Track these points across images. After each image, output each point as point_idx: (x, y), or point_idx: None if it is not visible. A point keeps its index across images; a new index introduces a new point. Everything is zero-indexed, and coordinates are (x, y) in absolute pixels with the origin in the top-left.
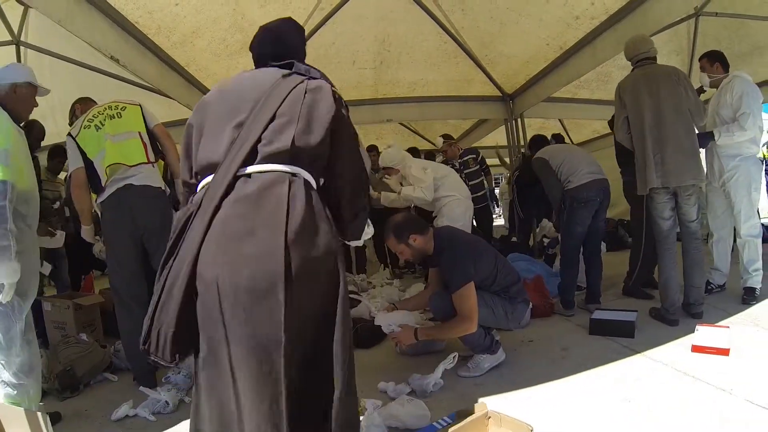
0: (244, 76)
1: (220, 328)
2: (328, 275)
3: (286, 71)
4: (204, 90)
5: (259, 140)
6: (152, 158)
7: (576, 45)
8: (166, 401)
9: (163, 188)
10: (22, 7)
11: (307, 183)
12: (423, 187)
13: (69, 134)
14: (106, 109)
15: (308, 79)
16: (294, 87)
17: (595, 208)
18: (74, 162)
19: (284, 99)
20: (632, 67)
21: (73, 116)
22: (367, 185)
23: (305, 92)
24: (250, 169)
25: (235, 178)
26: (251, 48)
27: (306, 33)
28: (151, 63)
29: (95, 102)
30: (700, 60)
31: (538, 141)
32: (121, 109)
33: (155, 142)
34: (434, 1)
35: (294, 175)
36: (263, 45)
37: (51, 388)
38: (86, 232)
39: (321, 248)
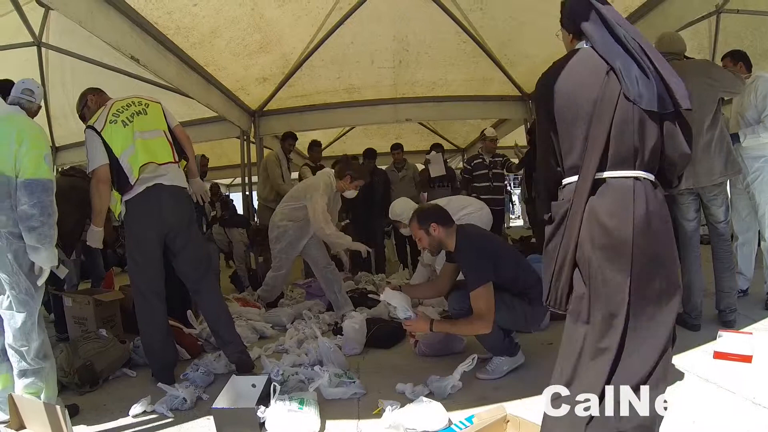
0: (573, 73)
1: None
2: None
3: (606, 67)
4: (223, 89)
5: (606, 148)
6: (176, 157)
7: None
8: (183, 398)
9: (188, 189)
10: (43, 9)
11: (648, 184)
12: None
13: (91, 128)
14: (130, 104)
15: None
16: (619, 93)
17: None
18: (100, 158)
19: (615, 109)
20: None
21: (84, 106)
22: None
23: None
24: (605, 174)
25: (594, 181)
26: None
27: (324, 33)
28: (170, 63)
29: (106, 94)
30: (723, 59)
31: None
32: (145, 105)
33: (176, 142)
34: (453, 0)
35: (636, 179)
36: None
37: (70, 383)
38: (96, 234)
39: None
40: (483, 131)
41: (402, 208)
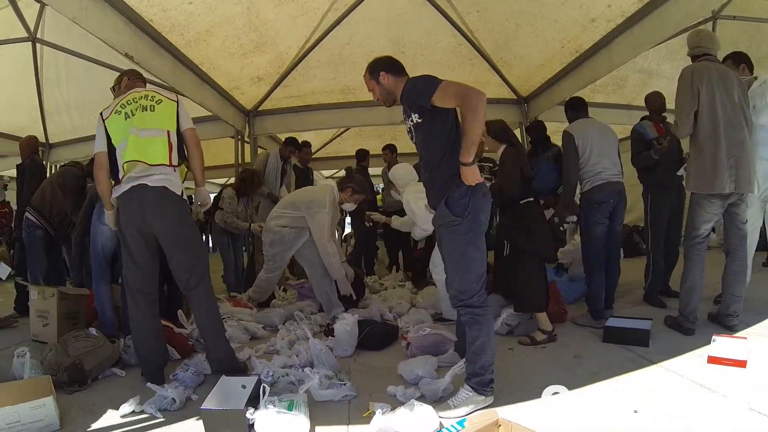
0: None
1: None
2: None
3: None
4: (218, 88)
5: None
6: (175, 161)
7: (592, 48)
8: (173, 398)
9: (180, 193)
10: (38, 5)
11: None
12: (423, 227)
13: (101, 114)
14: (142, 97)
15: None
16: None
17: (609, 209)
18: (99, 145)
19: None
20: (698, 57)
21: (117, 85)
22: None
23: None
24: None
25: None
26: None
27: (320, 33)
28: (165, 61)
29: (142, 81)
30: (724, 61)
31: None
32: (156, 101)
33: (182, 144)
34: (449, 2)
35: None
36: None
37: (59, 381)
38: (108, 217)
39: None
40: None
41: (402, 173)
